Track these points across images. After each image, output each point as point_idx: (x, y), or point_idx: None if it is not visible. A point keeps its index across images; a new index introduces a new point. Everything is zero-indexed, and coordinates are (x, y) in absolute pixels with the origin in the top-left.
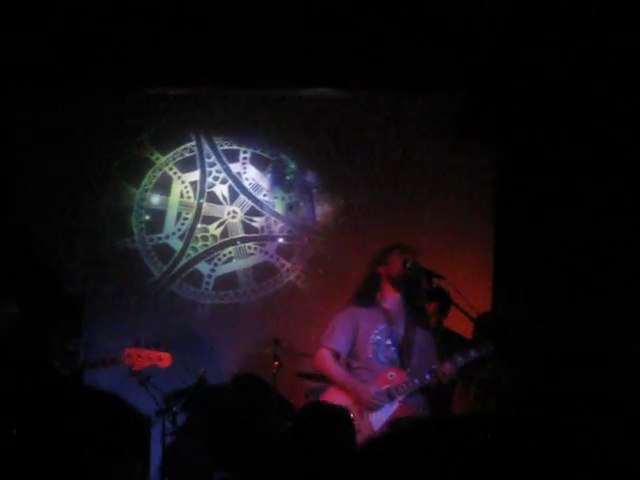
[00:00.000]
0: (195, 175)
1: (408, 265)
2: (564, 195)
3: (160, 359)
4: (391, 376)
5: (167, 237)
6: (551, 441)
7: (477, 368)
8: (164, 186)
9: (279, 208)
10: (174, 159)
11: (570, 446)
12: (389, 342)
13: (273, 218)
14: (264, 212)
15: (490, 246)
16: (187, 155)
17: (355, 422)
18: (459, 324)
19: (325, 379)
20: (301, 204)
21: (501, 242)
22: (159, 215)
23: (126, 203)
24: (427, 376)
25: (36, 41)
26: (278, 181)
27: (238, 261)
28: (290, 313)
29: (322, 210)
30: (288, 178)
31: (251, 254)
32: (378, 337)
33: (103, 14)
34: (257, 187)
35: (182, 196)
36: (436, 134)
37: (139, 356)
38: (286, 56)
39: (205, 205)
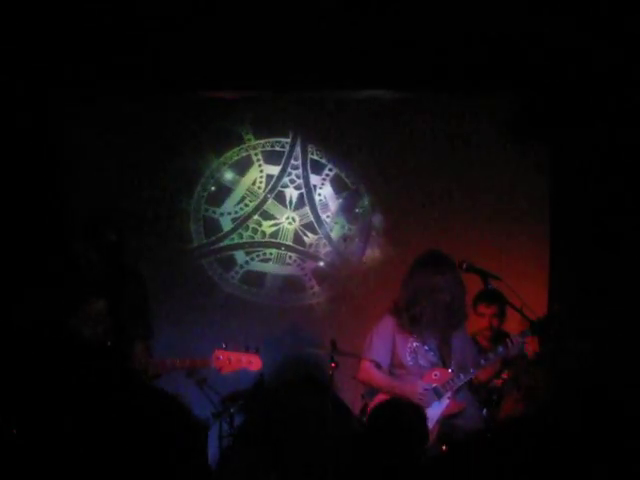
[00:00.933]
0: (275, 170)
1: (464, 266)
2: (620, 196)
3: (250, 362)
4: (436, 375)
5: (222, 214)
6: (595, 448)
7: (521, 371)
8: (242, 167)
9: (335, 234)
10: (263, 147)
11: (619, 453)
12: (427, 347)
13: (324, 240)
14: (319, 231)
15: (546, 248)
16: (277, 149)
17: None
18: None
19: None
20: (356, 240)
21: (557, 244)
22: (224, 191)
23: (200, 167)
24: (472, 370)
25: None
26: (346, 209)
27: (274, 265)
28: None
29: (372, 254)
30: (357, 211)
31: (288, 264)
32: (415, 344)
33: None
34: (325, 206)
35: (254, 184)
36: (492, 136)
37: (229, 359)
38: (343, 57)
39: (270, 201)
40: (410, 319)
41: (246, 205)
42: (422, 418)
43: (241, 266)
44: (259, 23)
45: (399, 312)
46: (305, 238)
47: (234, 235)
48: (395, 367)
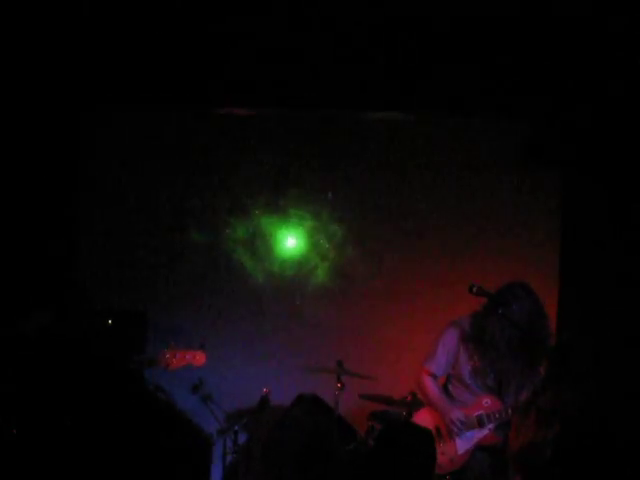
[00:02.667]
0: None
1: (474, 290)
2: (631, 226)
3: (194, 357)
4: (486, 403)
5: None
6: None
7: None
8: None
9: None
10: None
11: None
12: (489, 369)
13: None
14: None
15: (555, 276)
16: None
17: (441, 444)
18: None
19: (386, 402)
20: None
21: (566, 272)
22: None
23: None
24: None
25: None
26: None
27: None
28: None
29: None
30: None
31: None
32: (478, 363)
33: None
34: None
35: None
36: (502, 164)
37: (174, 357)
38: (357, 79)
39: None
40: (475, 339)
41: None
42: (430, 443)
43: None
44: (276, 40)
45: (465, 327)
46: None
47: None
48: (454, 378)
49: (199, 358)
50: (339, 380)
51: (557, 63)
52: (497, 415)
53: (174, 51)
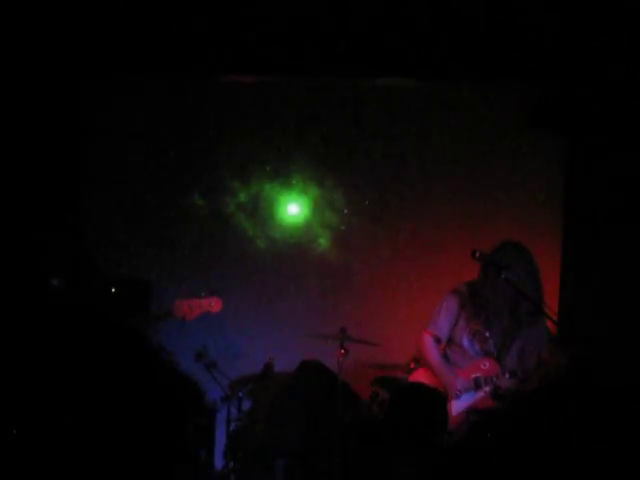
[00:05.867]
0: None
1: (477, 255)
2: (635, 187)
3: (210, 304)
4: (484, 365)
5: None
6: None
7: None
8: None
9: None
10: None
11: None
12: (488, 334)
13: None
14: None
15: (558, 241)
16: None
17: None
18: None
19: (392, 369)
20: None
21: (570, 234)
22: None
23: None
24: (519, 372)
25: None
26: None
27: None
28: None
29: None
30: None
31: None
32: (478, 327)
33: None
34: None
35: None
36: (507, 128)
37: (189, 307)
38: (359, 45)
39: None
40: (475, 303)
41: None
42: (443, 404)
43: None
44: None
45: (471, 290)
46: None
47: None
48: (452, 344)
49: (215, 304)
50: (342, 347)
51: (558, 26)
52: (494, 378)
53: (176, 17)
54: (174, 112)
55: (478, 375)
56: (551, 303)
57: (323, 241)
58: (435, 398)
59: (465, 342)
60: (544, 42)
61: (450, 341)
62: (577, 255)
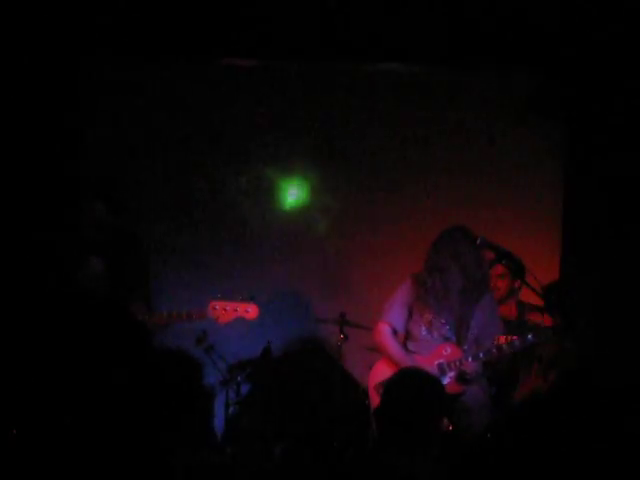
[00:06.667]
0: None
1: (479, 241)
2: (634, 176)
3: (246, 311)
4: (446, 351)
5: None
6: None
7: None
8: None
9: None
10: None
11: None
12: (443, 320)
13: None
14: None
15: (558, 225)
16: None
17: None
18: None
19: None
20: None
21: (569, 222)
22: None
23: None
24: (481, 354)
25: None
26: None
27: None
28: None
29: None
30: None
31: None
32: (432, 315)
33: None
34: None
35: None
36: (507, 113)
37: (225, 309)
38: (360, 30)
39: None
40: (426, 292)
41: None
42: (443, 390)
43: None
44: None
45: (418, 282)
46: None
47: None
48: (410, 337)
49: (252, 311)
50: (342, 332)
51: (562, 13)
52: (457, 363)
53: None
54: (174, 96)
55: (441, 361)
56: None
57: (321, 227)
58: (428, 380)
59: (423, 331)
60: (546, 30)
61: (408, 335)
62: (576, 252)
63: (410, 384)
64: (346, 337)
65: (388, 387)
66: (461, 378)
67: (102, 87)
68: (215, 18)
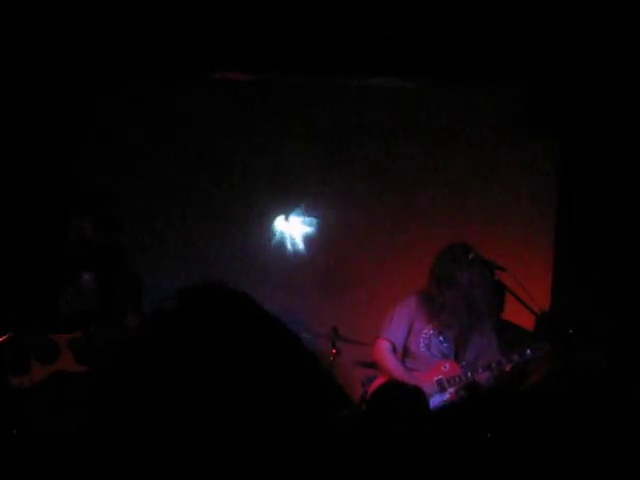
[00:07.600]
0: None
1: (471, 256)
2: (628, 195)
3: None
4: (444, 367)
5: None
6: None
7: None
8: None
9: None
10: None
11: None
12: (442, 338)
13: None
14: None
15: (551, 244)
16: None
17: None
18: (517, 317)
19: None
20: None
21: (562, 240)
22: None
23: None
24: (480, 370)
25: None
26: None
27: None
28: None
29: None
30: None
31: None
32: (432, 332)
33: None
34: None
35: None
36: (500, 129)
37: None
38: (355, 45)
39: None
40: (430, 307)
41: None
42: (424, 399)
43: None
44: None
45: (424, 298)
46: None
47: None
48: (408, 355)
49: None
50: (334, 346)
51: (557, 25)
52: (457, 379)
53: (175, 14)
54: (171, 108)
55: (440, 377)
56: (543, 304)
57: (317, 239)
58: (413, 396)
59: (422, 348)
60: (541, 42)
61: (406, 352)
62: (570, 255)
63: (395, 395)
64: (338, 351)
65: (374, 398)
66: (472, 390)
67: (99, 98)
68: (211, 32)
